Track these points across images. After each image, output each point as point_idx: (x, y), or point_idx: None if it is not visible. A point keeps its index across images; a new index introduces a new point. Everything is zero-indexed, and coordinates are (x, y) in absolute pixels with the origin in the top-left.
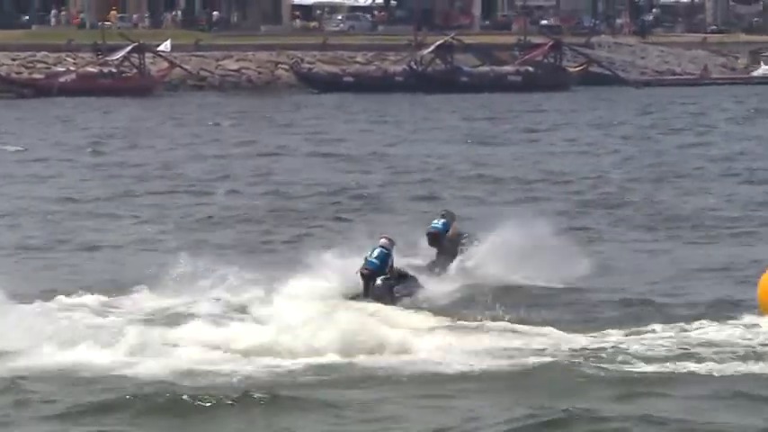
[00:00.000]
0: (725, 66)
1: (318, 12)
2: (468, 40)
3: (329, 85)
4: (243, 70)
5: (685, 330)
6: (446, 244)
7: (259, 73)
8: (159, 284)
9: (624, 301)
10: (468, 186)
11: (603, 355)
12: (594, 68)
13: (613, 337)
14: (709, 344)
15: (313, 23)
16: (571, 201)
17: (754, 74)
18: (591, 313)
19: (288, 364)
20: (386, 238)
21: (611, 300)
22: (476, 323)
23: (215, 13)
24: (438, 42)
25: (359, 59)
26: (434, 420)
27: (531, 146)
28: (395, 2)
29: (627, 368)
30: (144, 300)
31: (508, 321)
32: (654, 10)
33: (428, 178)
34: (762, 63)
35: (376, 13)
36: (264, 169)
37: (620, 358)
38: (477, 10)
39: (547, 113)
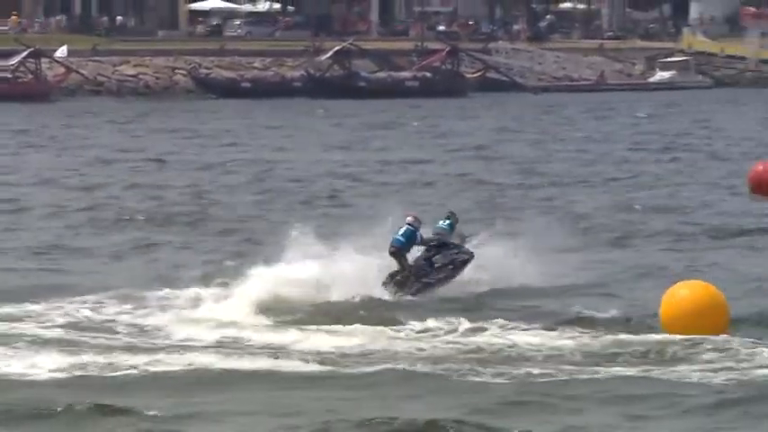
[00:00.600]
0: (621, 72)
1: (216, 20)
2: (365, 45)
3: (227, 90)
4: (140, 75)
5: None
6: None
7: (157, 78)
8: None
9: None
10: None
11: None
12: (492, 74)
13: None
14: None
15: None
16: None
17: (651, 80)
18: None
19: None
20: (412, 216)
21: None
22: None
23: (119, 18)
24: (336, 48)
25: (257, 65)
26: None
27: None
28: (292, 8)
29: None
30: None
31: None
32: (548, 16)
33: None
34: (658, 69)
35: (279, 18)
36: (148, 175)
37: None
38: (374, 16)
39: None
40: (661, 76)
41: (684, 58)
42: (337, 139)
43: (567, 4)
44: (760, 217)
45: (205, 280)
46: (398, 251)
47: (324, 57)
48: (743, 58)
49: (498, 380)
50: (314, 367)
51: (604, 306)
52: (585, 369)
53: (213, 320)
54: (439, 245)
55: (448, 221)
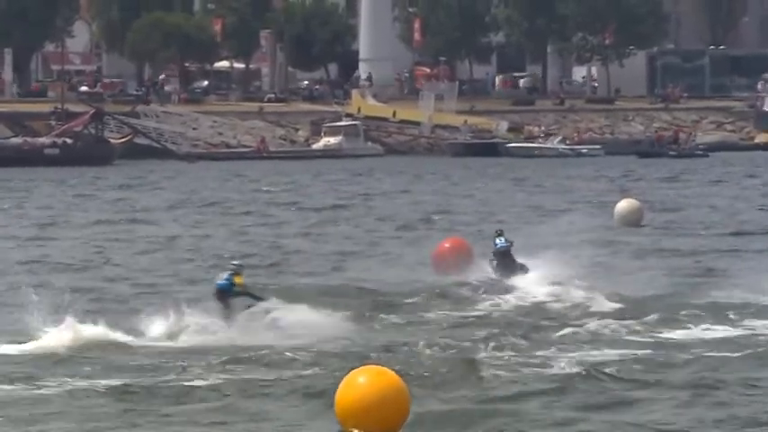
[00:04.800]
0: (284, 138)
1: None
2: None
3: None
4: None
5: None
6: (508, 261)
7: None
8: None
9: None
10: None
11: None
12: (141, 140)
13: None
14: None
15: None
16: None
17: (315, 146)
18: None
19: None
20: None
21: None
22: None
23: None
24: None
25: None
26: None
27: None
28: None
29: None
30: None
31: None
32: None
33: None
34: (323, 135)
35: None
36: None
37: None
38: (8, 75)
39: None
40: (326, 141)
41: (353, 122)
42: None
43: (224, 63)
44: None
45: None
46: (506, 253)
47: None
48: (417, 123)
49: None
50: None
51: None
52: None
53: None
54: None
55: (503, 238)
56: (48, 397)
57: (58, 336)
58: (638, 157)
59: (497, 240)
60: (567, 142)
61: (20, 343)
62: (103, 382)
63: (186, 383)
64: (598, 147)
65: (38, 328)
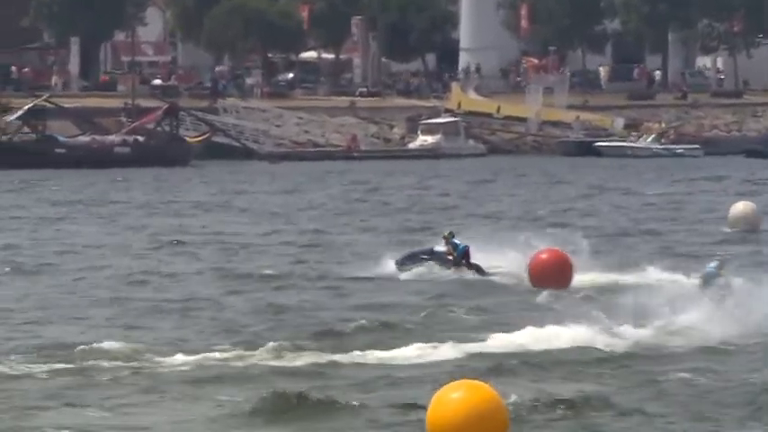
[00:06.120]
0: (377, 136)
1: None
2: (63, 102)
3: None
4: None
5: None
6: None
7: None
8: None
9: None
10: None
11: None
12: (219, 138)
13: None
14: None
15: None
16: None
17: (411, 146)
18: None
19: None
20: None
21: None
22: None
23: None
24: (27, 106)
25: None
26: None
27: None
28: None
29: None
30: None
31: None
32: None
33: None
34: (420, 133)
35: None
36: None
37: None
38: (74, 67)
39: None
40: (423, 140)
41: (453, 119)
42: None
43: (312, 54)
44: None
45: None
46: None
47: (11, 117)
48: (523, 120)
49: None
50: None
51: None
52: None
53: None
54: None
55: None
56: None
57: None
58: (746, 157)
59: (454, 242)
60: (663, 141)
61: None
62: None
63: None
64: (696, 146)
65: None
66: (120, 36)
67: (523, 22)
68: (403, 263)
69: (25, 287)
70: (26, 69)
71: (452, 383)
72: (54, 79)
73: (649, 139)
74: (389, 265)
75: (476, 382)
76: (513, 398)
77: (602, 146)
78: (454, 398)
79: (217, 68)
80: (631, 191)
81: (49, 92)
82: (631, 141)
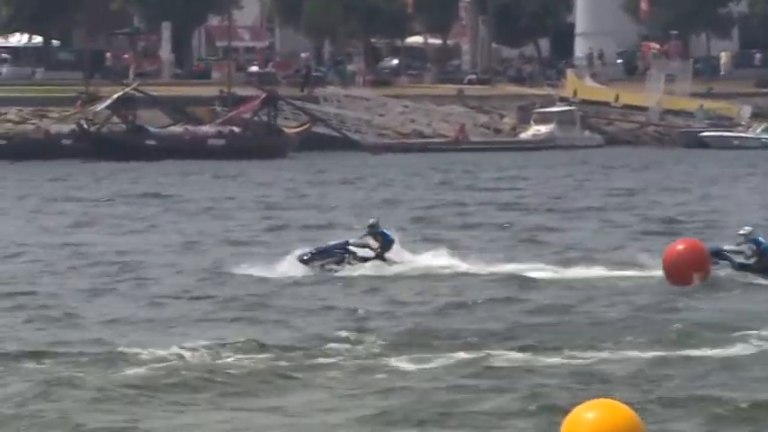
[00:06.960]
0: (487, 126)
1: None
2: (154, 91)
3: None
4: None
5: None
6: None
7: None
8: None
9: None
10: None
11: None
12: (320, 129)
13: None
14: None
15: None
16: None
17: (523, 136)
18: None
19: None
20: None
21: None
22: None
23: None
24: (116, 95)
25: (11, 117)
26: None
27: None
28: (58, 42)
29: None
30: None
31: None
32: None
33: None
34: (533, 122)
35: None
36: None
37: None
38: (166, 53)
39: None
40: (536, 130)
41: (568, 108)
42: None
43: (417, 39)
44: None
45: None
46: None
47: (100, 106)
48: (644, 109)
49: None
50: None
51: None
52: None
53: None
54: None
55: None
56: None
57: None
58: None
59: (384, 231)
60: None
61: None
62: None
63: None
64: None
65: None
66: (214, 21)
67: (643, 5)
68: (312, 260)
69: None
70: (126, 56)
71: (586, 403)
72: (132, 68)
73: (759, 130)
74: None
75: (611, 401)
76: None
77: (707, 136)
78: (590, 418)
79: (302, 54)
80: None
81: (138, 80)
82: (740, 132)
